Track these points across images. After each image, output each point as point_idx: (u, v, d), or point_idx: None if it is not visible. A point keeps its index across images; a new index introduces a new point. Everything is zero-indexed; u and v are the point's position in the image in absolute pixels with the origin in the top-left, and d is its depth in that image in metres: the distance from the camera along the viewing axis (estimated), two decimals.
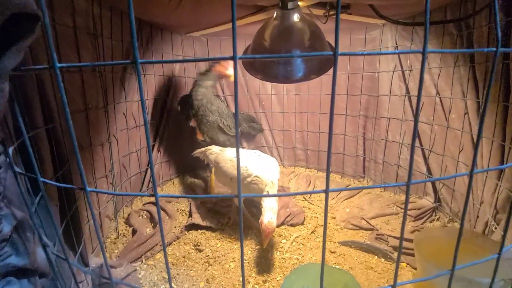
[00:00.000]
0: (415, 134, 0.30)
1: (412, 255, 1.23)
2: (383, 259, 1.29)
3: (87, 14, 1.11)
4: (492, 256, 0.43)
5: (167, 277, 1.21)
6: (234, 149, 1.50)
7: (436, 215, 1.54)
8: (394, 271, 1.27)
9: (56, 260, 0.74)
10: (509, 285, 0.55)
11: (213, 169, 1.82)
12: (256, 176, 1.28)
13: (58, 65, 0.30)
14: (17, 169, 0.44)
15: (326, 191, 0.33)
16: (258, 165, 1.31)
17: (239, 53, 1.50)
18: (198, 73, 1.78)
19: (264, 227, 1.14)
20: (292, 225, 1.53)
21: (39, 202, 0.73)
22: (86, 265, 1.05)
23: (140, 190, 1.75)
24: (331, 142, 0.30)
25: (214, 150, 1.58)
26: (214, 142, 1.82)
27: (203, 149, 1.64)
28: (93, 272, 1.06)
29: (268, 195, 0.31)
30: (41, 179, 0.39)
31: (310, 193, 0.33)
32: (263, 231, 1.15)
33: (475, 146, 0.34)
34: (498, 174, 1.11)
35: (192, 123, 1.81)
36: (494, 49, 0.32)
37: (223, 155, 1.48)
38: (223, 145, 1.76)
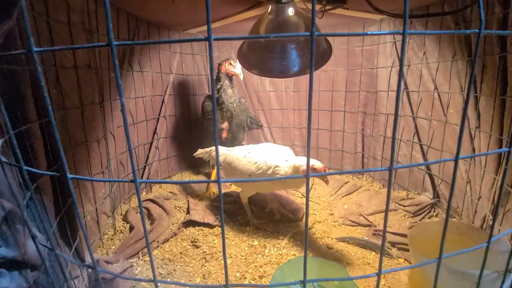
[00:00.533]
0: (397, 117, 0.30)
1: (409, 250, 1.22)
2: None
3: (82, 10, 1.11)
4: (481, 245, 0.43)
5: (163, 273, 1.22)
6: (241, 148, 1.50)
7: (435, 211, 1.53)
8: (391, 267, 1.25)
9: (49, 254, 0.74)
10: (502, 277, 0.55)
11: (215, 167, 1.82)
12: (276, 166, 1.31)
13: (35, 49, 0.30)
14: (3, 159, 0.44)
15: (307, 177, 0.32)
16: (274, 156, 1.35)
17: (235, 48, 1.49)
18: (214, 79, 1.79)
19: (318, 167, 1.21)
20: (290, 221, 1.53)
21: (31, 196, 0.74)
22: (82, 260, 1.05)
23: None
24: (310, 129, 0.30)
25: (220, 151, 1.55)
26: (235, 139, 1.85)
27: (208, 149, 1.61)
28: (87, 266, 1.06)
29: (245, 180, 0.30)
30: (25, 167, 0.39)
31: (292, 177, 0.32)
32: (320, 171, 1.21)
33: (460, 131, 0.34)
34: (496, 168, 1.10)
35: (224, 125, 1.82)
36: (477, 30, 0.31)
37: (234, 154, 1.47)
38: (241, 141, 1.83)
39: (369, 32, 0.29)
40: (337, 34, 0.28)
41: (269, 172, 1.32)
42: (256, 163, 1.35)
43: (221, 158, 1.52)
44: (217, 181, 0.32)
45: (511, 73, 0.98)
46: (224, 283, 0.35)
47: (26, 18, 0.29)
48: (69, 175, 0.35)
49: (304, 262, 0.35)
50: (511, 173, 0.98)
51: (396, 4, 1.36)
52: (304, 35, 0.27)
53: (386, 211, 0.34)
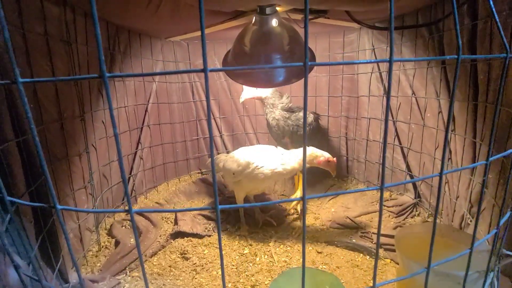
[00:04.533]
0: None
1: (395, 251, 1.27)
2: (368, 257, 1.31)
3: (59, 21, 1.07)
4: (464, 252, 0.45)
5: None
6: (241, 150, 1.56)
7: (417, 211, 1.60)
8: (378, 267, 1.28)
9: (31, 281, 0.70)
10: (483, 276, 0.58)
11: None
12: (253, 162, 1.40)
13: (21, 79, 0.29)
14: None
15: (304, 199, 0.33)
16: (257, 154, 1.43)
17: (219, 56, 1.48)
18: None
19: (331, 160, 1.41)
20: (272, 225, 1.54)
21: (10, 220, 0.70)
22: (66, 281, 1.01)
23: (123, 199, 1.70)
24: (306, 151, 0.30)
25: (222, 158, 1.64)
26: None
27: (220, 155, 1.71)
28: None
29: (247, 205, 0.31)
30: (8, 198, 0.37)
31: (287, 201, 0.33)
32: (333, 163, 1.42)
33: (443, 148, 0.36)
34: (471, 169, 1.17)
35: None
36: (456, 56, 0.34)
37: (230, 156, 1.56)
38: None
39: (356, 61, 0.30)
40: (329, 63, 0.29)
41: (249, 170, 1.40)
42: (237, 160, 1.45)
43: (221, 165, 1.59)
44: (215, 207, 0.32)
45: (482, 80, 1.05)
46: None
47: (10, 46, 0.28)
48: (59, 206, 0.34)
49: (302, 277, 0.35)
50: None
51: (374, 14, 1.41)
52: (297, 65, 0.27)
53: (379, 226, 0.35)
